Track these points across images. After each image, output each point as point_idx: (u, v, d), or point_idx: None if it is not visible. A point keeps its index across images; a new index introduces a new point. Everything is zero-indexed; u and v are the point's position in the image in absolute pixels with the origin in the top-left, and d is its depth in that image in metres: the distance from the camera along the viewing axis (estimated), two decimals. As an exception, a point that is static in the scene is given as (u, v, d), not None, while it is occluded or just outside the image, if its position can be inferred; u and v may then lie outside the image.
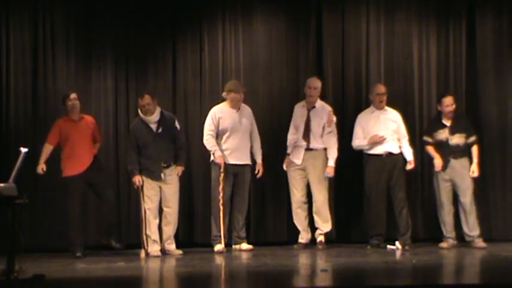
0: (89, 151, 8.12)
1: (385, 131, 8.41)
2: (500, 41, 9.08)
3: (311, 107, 8.53)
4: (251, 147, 8.42)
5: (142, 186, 8.04)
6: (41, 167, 8.04)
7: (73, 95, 8.16)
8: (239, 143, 8.31)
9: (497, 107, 9.05)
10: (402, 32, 9.12)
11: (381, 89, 8.53)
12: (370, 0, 9.13)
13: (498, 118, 9.02)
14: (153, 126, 8.13)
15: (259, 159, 8.45)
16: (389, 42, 9.10)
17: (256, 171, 8.44)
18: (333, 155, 8.47)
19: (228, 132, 8.28)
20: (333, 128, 8.52)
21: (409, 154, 8.47)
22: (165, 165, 8.10)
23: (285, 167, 8.55)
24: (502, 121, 9.03)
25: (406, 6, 9.15)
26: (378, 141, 8.38)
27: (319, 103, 8.56)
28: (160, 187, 8.10)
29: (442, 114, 8.45)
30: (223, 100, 8.42)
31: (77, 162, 8.03)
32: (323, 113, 8.53)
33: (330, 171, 8.47)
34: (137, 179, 8.04)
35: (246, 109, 8.44)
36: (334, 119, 8.54)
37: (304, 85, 8.66)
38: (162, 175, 8.07)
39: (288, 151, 8.55)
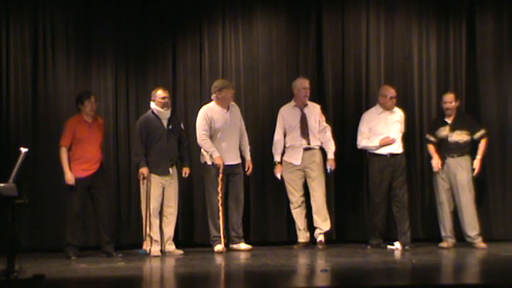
0: (98, 155, 8.06)
1: (392, 132, 8.39)
2: (500, 41, 9.08)
3: (303, 106, 8.53)
4: (240, 144, 8.41)
5: (148, 184, 7.99)
6: (70, 177, 7.90)
7: (93, 98, 8.11)
8: (230, 144, 8.31)
9: (497, 106, 9.04)
10: (402, 32, 9.12)
11: (393, 92, 8.46)
12: (370, 0, 9.14)
13: (498, 118, 9.01)
14: (164, 122, 8.13)
15: (248, 156, 8.43)
16: (389, 42, 9.10)
17: (246, 168, 8.42)
18: (331, 148, 8.50)
19: (219, 133, 8.27)
20: (325, 123, 8.57)
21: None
22: (171, 162, 8.12)
23: (279, 176, 8.50)
24: (502, 121, 9.02)
25: (406, 6, 9.15)
26: (389, 143, 8.36)
27: (308, 101, 8.58)
28: (163, 187, 8.10)
29: (444, 112, 8.45)
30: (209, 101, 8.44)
31: (85, 166, 7.96)
32: (315, 111, 8.56)
33: (332, 164, 8.47)
34: (145, 170, 8.00)
35: (235, 108, 8.44)
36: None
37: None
38: (170, 170, 8.09)
39: (278, 158, 8.50)
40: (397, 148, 8.40)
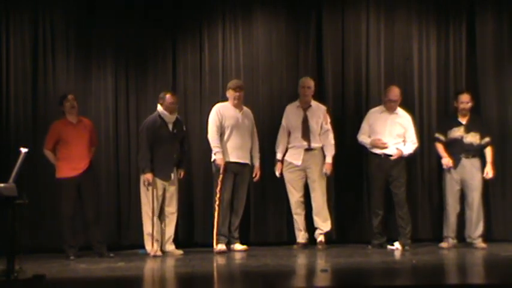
0: (85, 155, 8.04)
1: (389, 134, 8.35)
2: (500, 41, 9.09)
3: (307, 107, 8.53)
4: (250, 150, 8.41)
5: (153, 189, 8.00)
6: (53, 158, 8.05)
7: (71, 96, 8.10)
8: (241, 142, 8.30)
9: (498, 106, 9.04)
10: (402, 32, 9.12)
11: (393, 95, 8.38)
12: (370, 0, 9.14)
13: (498, 118, 9.01)
14: (170, 126, 8.14)
15: (257, 163, 8.44)
16: (389, 42, 9.10)
17: (254, 175, 8.43)
18: (331, 152, 8.48)
19: (230, 129, 8.26)
20: (329, 125, 8.53)
21: (406, 150, 8.38)
22: (173, 167, 8.15)
23: (278, 174, 8.50)
24: (502, 121, 9.02)
25: (406, 6, 9.15)
26: (379, 145, 8.36)
27: (314, 102, 8.57)
28: (164, 188, 8.10)
29: (458, 112, 8.43)
30: (224, 100, 8.44)
31: (72, 165, 7.95)
32: (319, 112, 8.54)
33: (328, 168, 8.46)
34: (150, 177, 7.99)
35: (248, 111, 8.46)
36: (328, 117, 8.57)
37: (304, 85, 8.70)
38: (172, 175, 8.11)
39: (279, 156, 8.51)
40: (393, 151, 8.36)
